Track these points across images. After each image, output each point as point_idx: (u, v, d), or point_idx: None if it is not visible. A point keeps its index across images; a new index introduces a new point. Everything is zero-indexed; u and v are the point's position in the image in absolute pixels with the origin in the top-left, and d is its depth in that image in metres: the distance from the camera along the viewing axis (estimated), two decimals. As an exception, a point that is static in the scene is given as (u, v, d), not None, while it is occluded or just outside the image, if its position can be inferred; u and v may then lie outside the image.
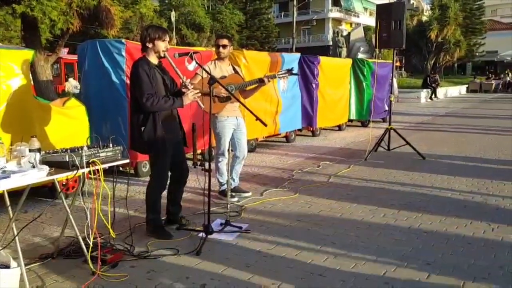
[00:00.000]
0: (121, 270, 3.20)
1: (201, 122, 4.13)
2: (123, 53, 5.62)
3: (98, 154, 3.20)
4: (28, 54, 4.64)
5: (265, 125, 4.17)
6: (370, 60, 11.41)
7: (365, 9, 51.03)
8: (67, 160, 3.00)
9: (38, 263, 3.32)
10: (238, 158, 5.07)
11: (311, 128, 9.95)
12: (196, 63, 3.89)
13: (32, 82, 5.22)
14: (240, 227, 4.06)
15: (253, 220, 4.33)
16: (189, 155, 4.61)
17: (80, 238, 3.27)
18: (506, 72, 34.12)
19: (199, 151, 6.72)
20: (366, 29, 30.01)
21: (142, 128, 3.69)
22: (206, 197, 3.82)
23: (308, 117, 9.48)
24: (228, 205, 4.18)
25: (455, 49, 34.28)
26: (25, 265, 2.94)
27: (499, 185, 5.57)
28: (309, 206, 4.79)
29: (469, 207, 4.70)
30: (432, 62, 34.95)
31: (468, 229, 4.03)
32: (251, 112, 4.01)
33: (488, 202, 4.88)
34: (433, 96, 23.24)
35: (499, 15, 50.52)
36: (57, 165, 3.01)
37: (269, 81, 4.86)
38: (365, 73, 10.99)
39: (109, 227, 3.55)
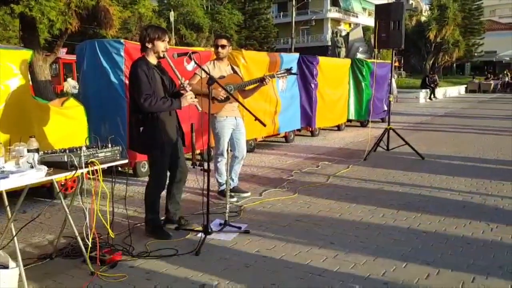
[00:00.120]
0: (120, 270, 3.19)
1: (200, 122, 4.13)
2: (122, 53, 5.62)
3: (96, 155, 3.19)
4: (26, 54, 4.63)
5: (264, 125, 4.17)
6: (369, 60, 11.42)
7: (364, 9, 51.07)
8: (66, 160, 2.99)
9: (36, 263, 3.31)
10: (237, 158, 5.06)
11: (310, 128, 9.95)
12: (195, 63, 3.89)
13: (30, 82, 5.21)
14: (239, 227, 4.06)
15: (252, 220, 4.32)
16: (188, 155, 4.61)
17: (79, 238, 3.26)
18: (505, 72, 34.18)
19: (198, 151, 6.72)
20: (365, 29, 30.06)
21: (141, 128, 3.69)
22: (205, 197, 3.81)
23: (307, 117, 9.48)
24: (227, 205, 4.17)
25: (454, 49, 34.32)
26: (24, 265, 2.93)
27: (498, 185, 5.57)
28: (308, 206, 4.79)
29: (468, 207, 4.70)
30: (431, 62, 34.99)
31: (467, 229, 4.03)
32: (250, 112, 4.00)
33: (487, 202, 4.88)
34: (432, 96, 23.27)
35: (498, 15, 50.60)
36: (55, 165, 3.01)
37: (269, 81, 4.86)
38: (364, 73, 11.00)
39: (108, 227, 3.55)
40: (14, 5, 8.51)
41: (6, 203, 2.80)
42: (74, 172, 3.00)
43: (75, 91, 14.89)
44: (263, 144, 8.95)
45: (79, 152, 3.07)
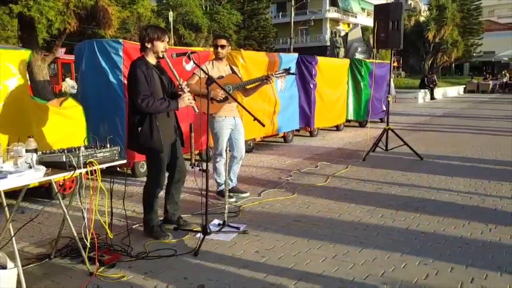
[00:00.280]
0: (119, 271, 3.19)
1: (199, 123, 4.13)
2: (121, 53, 5.61)
3: (95, 155, 3.19)
4: (25, 54, 4.63)
5: (263, 125, 4.17)
6: (367, 61, 11.42)
7: (363, 9, 51.10)
8: (64, 160, 2.98)
9: (35, 264, 3.31)
10: (236, 159, 5.06)
11: (309, 129, 9.95)
12: (194, 63, 3.89)
13: (29, 82, 5.20)
14: (238, 228, 4.06)
15: (251, 220, 4.32)
16: (187, 155, 4.61)
17: (77, 238, 3.26)
18: (503, 72, 34.21)
19: (197, 152, 6.71)
20: (364, 29, 30.04)
21: (139, 129, 3.69)
22: (203, 197, 3.81)
23: (306, 117, 9.48)
24: (226, 206, 4.16)
25: (453, 50, 34.32)
26: (22, 266, 2.92)
27: (497, 185, 5.57)
28: (307, 206, 4.79)
29: (467, 208, 4.71)
30: (430, 62, 34.98)
31: (466, 229, 4.03)
32: (249, 113, 4.00)
33: (486, 202, 4.88)
34: (432, 96, 23.28)
35: (496, 15, 50.64)
36: (54, 166, 3.00)
37: (271, 81, 4.85)
38: (362, 74, 11.00)
39: (107, 227, 3.54)
40: (12, 5, 8.49)
41: (5, 203, 2.80)
42: (72, 172, 2.99)
43: (74, 91, 14.90)
44: (262, 144, 8.95)
45: (77, 152, 3.07)
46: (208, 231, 3.79)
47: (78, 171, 3.02)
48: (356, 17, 48.93)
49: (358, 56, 17.00)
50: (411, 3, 48.58)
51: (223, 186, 4.79)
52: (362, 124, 11.88)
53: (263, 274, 3.16)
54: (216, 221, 4.21)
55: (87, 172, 3.10)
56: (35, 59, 9.59)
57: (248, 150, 7.37)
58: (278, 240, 3.80)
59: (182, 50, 5.44)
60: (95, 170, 3.11)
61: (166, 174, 4.00)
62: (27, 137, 3.09)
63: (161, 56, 3.76)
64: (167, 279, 3.08)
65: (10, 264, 2.82)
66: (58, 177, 3.05)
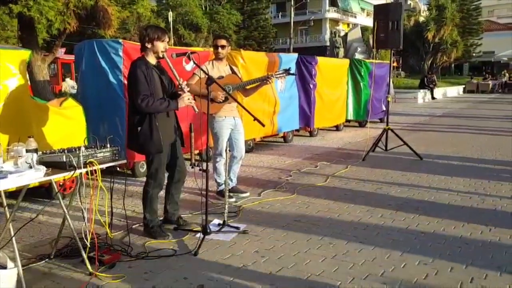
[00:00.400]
0: (119, 271, 3.19)
1: (199, 123, 4.13)
2: (121, 53, 5.61)
3: (95, 155, 3.19)
4: (25, 54, 4.63)
5: (263, 125, 4.18)
6: (367, 61, 11.43)
7: (362, 9, 51.09)
8: (64, 160, 2.99)
9: (35, 264, 3.31)
10: (235, 158, 5.06)
11: (309, 129, 9.95)
12: (194, 63, 3.89)
13: (29, 82, 5.20)
14: (238, 228, 4.06)
15: (251, 220, 4.32)
16: (187, 155, 4.61)
17: (77, 238, 3.26)
18: (503, 72, 34.20)
19: (197, 152, 6.72)
20: (364, 29, 30.03)
21: (139, 128, 3.69)
22: (203, 197, 3.82)
23: (306, 118, 9.49)
24: (226, 206, 4.17)
25: (452, 50, 34.31)
26: (22, 265, 2.93)
27: (497, 185, 5.58)
28: (306, 206, 4.79)
29: (467, 208, 4.71)
30: (429, 62, 34.98)
31: (466, 229, 4.03)
32: (249, 113, 4.00)
33: (486, 202, 4.88)
34: (432, 96, 23.29)
35: (496, 15, 50.65)
36: (54, 166, 3.01)
37: (270, 81, 4.86)
38: (362, 74, 11.00)
39: (107, 227, 3.55)
40: (12, 5, 8.49)
41: (5, 203, 2.80)
42: (72, 172, 2.99)
43: (74, 91, 14.90)
44: (261, 144, 8.95)
45: (77, 152, 3.07)
46: (208, 231, 3.79)
47: (78, 171, 3.03)
48: (355, 17, 48.92)
49: (358, 56, 17.01)
50: (410, 3, 48.59)
51: (223, 186, 4.79)
52: (361, 124, 11.88)
53: (263, 274, 3.16)
54: (216, 221, 4.21)
55: (87, 172, 3.11)
56: (35, 59, 9.59)
57: (248, 150, 7.37)
58: (278, 240, 3.81)
59: (182, 50, 5.44)
60: (95, 170, 3.11)
61: (166, 174, 4.00)
62: (27, 137, 3.09)
63: (161, 56, 3.76)
64: (167, 279, 3.09)
65: (10, 264, 2.82)
66: (58, 177, 3.05)
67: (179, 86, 3.81)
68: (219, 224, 4.10)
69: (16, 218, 4.24)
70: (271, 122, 8.19)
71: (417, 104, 20.75)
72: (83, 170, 3.08)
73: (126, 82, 5.27)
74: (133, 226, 4.08)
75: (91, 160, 3.12)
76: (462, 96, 27.64)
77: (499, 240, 3.78)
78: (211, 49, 5.34)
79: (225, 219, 4.11)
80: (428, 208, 4.67)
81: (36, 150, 3.03)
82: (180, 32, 28.70)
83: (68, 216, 3.26)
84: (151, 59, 3.77)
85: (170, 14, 26.03)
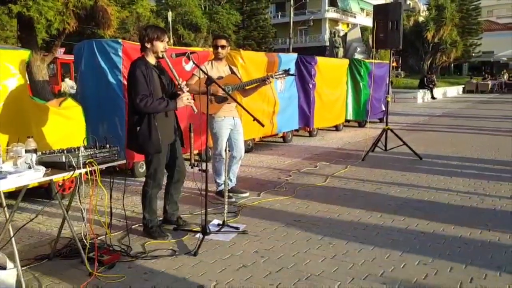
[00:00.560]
0: (118, 271, 3.19)
1: (198, 123, 4.13)
2: (120, 53, 5.61)
3: (94, 155, 3.19)
4: (24, 54, 4.63)
5: (263, 125, 4.17)
6: (367, 61, 11.43)
7: (362, 9, 51.09)
8: (64, 160, 2.99)
9: (34, 264, 3.30)
10: (235, 158, 5.06)
11: (308, 129, 9.96)
12: (194, 63, 3.89)
13: (28, 82, 5.20)
14: (237, 228, 4.06)
15: (251, 220, 4.32)
16: (186, 155, 4.61)
17: (76, 239, 3.25)
18: (503, 72, 34.20)
19: (196, 152, 6.71)
20: (363, 29, 30.04)
21: (138, 128, 3.69)
22: (203, 197, 3.81)
23: (305, 118, 9.49)
24: (226, 206, 4.16)
25: (452, 50, 34.32)
26: (22, 266, 2.93)
27: (496, 185, 5.58)
28: (306, 206, 4.79)
29: (466, 208, 4.71)
30: (429, 62, 35.01)
31: (465, 229, 4.03)
32: (248, 113, 4.00)
33: (485, 202, 4.89)
34: (431, 96, 23.30)
35: (495, 15, 50.67)
36: (53, 166, 3.01)
37: (270, 82, 4.86)
38: (362, 74, 11.01)
39: (106, 227, 3.55)
40: (11, 5, 8.48)
41: (4, 203, 2.80)
42: (72, 172, 2.99)
43: (73, 91, 14.88)
44: (261, 144, 8.95)
45: (77, 152, 3.07)
46: (208, 231, 3.79)
47: (77, 172, 3.03)
48: (355, 17, 48.93)
49: (357, 56, 17.02)
50: (410, 3, 48.64)
51: (223, 186, 4.79)
52: (361, 124, 11.88)
53: (263, 274, 3.16)
54: (215, 221, 4.21)
55: (86, 172, 3.11)
56: (34, 59, 9.58)
57: (247, 150, 7.37)
58: (278, 240, 3.81)
59: (181, 50, 5.44)
60: (94, 170, 3.11)
61: (165, 174, 4.00)
62: (26, 137, 3.09)
63: (160, 56, 3.76)
64: (166, 279, 3.08)
65: (9, 264, 2.82)
66: (57, 178, 3.05)
67: (178, 86, 3.82)
68: (218, 224, 4.10)
69: (15, 218, 4.24)
70: (270, 122, 8.19)
71: (416, 104, 20.77)
72: (83, 171, 3.07)
73: (125, 82, 5.27)
74: (133, 227, 4.08)
75: (91, 160, 3.12)
76: (461, 96, 27.65)
77: (499, 240, 3.78)
78: (211, 49, 5.34)
79: (225, 219, 4.11)
80: (427, 208, 4.67)
81: (35, 151, 3.03)
82: (180, 32, 28.70)
83: (67, 217, 3.26)
84: (151, 59, 3.77)
85: (170, 14, 26.02)
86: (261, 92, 6.93)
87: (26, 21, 9.14)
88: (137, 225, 4.12)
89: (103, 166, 3.25)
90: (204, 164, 3.77)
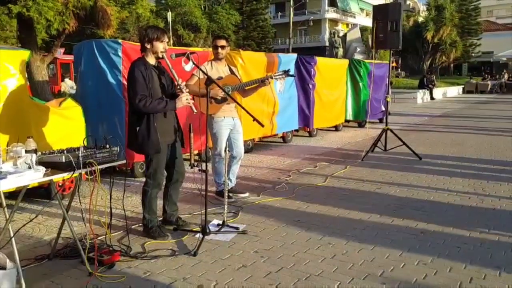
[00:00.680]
0: (118, 271, 3.19)
1: (198, 123, 4.13)
2: (120, 54, 5.61)
3: (94, 155, 3.19)
4: (24, 54, 4.63)
5: (262, 125, 4.18)
6: (366, 61, 11.44)
7: (362, 9, 51.12)
8: (64, 161, 2.99)
9: (34, 264, 3.31)
10: (235, 159, 5.06)
11: (308, 129, 9.96)
12: (193, 63, 3.89)
13: (28, 82, 5.20)
14: (237, 228, 4.06)
15: (250, 220, 4.33)
16: (186, 155, 4.61)
17: (76, 239, 3.26)
18: (503, 73, 34.20)
19: (196, 152, 6.71)
20: (363, 29, 30.09)
21: (137, 128, 3.70)
22: (203, 197, 3.82)
23: (305, 118, 9.49)
24: (225, 206, 4.17)
25: (451, 50, 34.38)
26: (22, 266, 2.93)
27: (495, 185, 5.58)
28: (306, 206, 4.79)
29: (466, 208, 4.72)
30: (428, 62, 35.05)
31: (465, 229, 4.03)
32: (248, 113, 4.01)
33: (485, 202, 4.89)
34: (431, 96, 23.31)
35: (495, 16, 50.73)
36: (53, 166, 3.01)
37: (269, 82, 4.87)
38: (361, 74, 11.01)
39: (106, 228, 3.55)
40: (11, 5, 8.48)
41: (4, 203, 2.80)
42: (72, 172, 2.99)
43: (73, 91, 14.87)
44: (261, 144, 8.96)
45: (77, 152, 3.07)
46: (207, 231, 3.79)
47: (77, 172, 3.03)
48: (355, 17, 48.95)
49: (357, 56, 17.04)
50: (409, 4, 48.69)
51: (222, 186, 4.79)
52: (361, 124, 11.89)
53: (262, 274, 3.16)
54: (215, 221, 4.22)
55: (86, 173, 3.11)
56: (34, 60, 9.58)
57: (247, 151, 7.37)
58: (277, 240, 3.81)
59: (181, 50, 5.45)
60: (94, 171, 3.11)
61: (165, 174, 4.01)
62: (26, 137, 3.09)
63: (160, 56, 3.77)
64: (166, 279, 3.09)
65: (9, 264, 2.82)
66: (57, 178, 3.05)
67: (178, 87, 3.82)
68: (218, 225, 4.10)
69: (15, 218, 4.24)
70: (270, 123, 8.20)
71: (416, 104, 20.77)
72: (82, 171, 3.08)
73: (125, 82, 5.28)
74: (133, 227, 4.08)
75: (90, 160, 3.12)
76: (461, 96, 27.65)
77: (498, 240, 3.78)
78: (210, 49, 5.34)
79: (225, 219, 4.11)
80: (427, 208, 4.67)
81: (35, 151, 3.03)
82: (179, 32, 28.73)
83: (67, 217, 3.26)
84: (151, 60, 3.77)
85: (169, 14, 26.04)
86: (260, 93, 6.93)
87: (26, 21, 9.15)
88: (137, 225, 4.12)
89: (103, 166, 3.25)
90: (204, 164, 3.77)
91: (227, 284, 3.02)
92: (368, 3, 47.98)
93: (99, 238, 3.64)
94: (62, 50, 19.57)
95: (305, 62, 9.33)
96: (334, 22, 46.78)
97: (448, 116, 14.90)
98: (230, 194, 4.93)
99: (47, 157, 3.08)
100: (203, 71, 3.99)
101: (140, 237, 3.86)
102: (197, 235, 3.79)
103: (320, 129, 10.67)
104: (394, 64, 35.25)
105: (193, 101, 3.83)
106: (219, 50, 4.83)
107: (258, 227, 4.14)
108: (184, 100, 3.73)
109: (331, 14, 46.77)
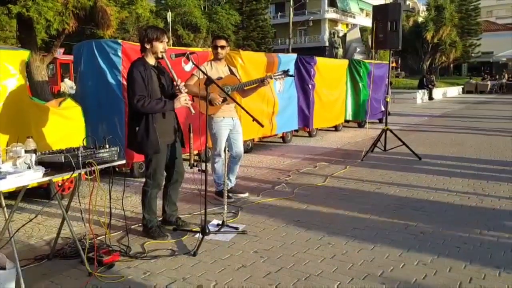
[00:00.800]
0: (118, 271, 3.19)
1: (198, 123, 4.13)
2: (119, 54, 5.61)
3: (94, 155, 3.19)
4: (23, 54, 4.63)
5: (262, 126, 4.18)
6: (366, 61, 11.44)
7: (361, 9, 51.15)
8: (63, 161, 2.99)
9: (34, 264, 3.31)
10: (234, 159, 5.06)
11: (308, 129, 9.96)
12: (193, 63, 3.89)
13: (27, 82, 5.20)
14: (237, 228, 4.06)
15: (250, 220, 4.33)
16: (185, 155, 4.61)
17: (76, 239, 3.26)
18: (503, 73, 34.21)
19: (196, 152, 6.71)
20: (362, 30, 30.09)
21: (137, 128, 3.70)
22: (202, 197, 3.82)
23: (305, 118, 9.50)
24: (225, 206, 4.17)
25: (451, 50, 34.39)
26: (21, 266, 2.92)
27: (495, 185, 5.59)
28: (305, 207, 4.79)
29: (465, 208, 4.72)
30: (428, 63, 35.06)
31: (464, 229, 4.03)
32: (248, 113, 4.01)
33: (484, 202, 4.89)
34: (431, 96, 23.32)
35: (495, 16, 50.75)
36: (53, 166, 3.00)
37: (268, 82, 4.87)
38: (361, 74, 11.02)
39: (105, 228, 3.55)
40: (11, 5, 8.49)
41: (3, 204, 2.80)
42: (71, 173, 2.99)
43: (72, 91, 14.86)
44: (260, 144, 8.96)
45: (76, 152, 3.07)
46: (207, 231, 3.79)
47: (77, 172, 3.03)
48: (354, 17, 48.97)
49: (357, 56, 17.04)
50: (409, 4, 48.70)
51: (222, 186, 4.79)
52: (360, 125, 11.89)
53: (262, 274, 3.16)
54: (215, 221, 4.21)
55: (86, 173, 3.11)
56: (33, 60, 9.59)
57: (246, 151, 7.37)
58: (277, 240, 3.81)
59: (181, 50, 5.45)
60: (94, 171, 3.11)
61: (165, 175, 4.00)
62: (26, 137, 3.09)
63: (160, 56, 3.77)
64: (166, 279, 3.09)
65: (9, 264, 2.82)
66: (57, 178, 3.05)
67: (177, 87, 3.82)
68: (218, 225, 4.10)
69: (14, 218, 4.24)
70: (270, 123, 8.20)
71: (416, 105, 20.78)
72: (82, 171, 3.08)
73: (125, 82, 5.27)
74: (132, 227, 4.08)
75: (90, 160, 3.12)
76: (461, 97, 27.66)
77: (498, 240, 3.78)
78: (210, 49, 5.34)
79: (224, 220, 4.11)
80: (426, 208, 4.67)
81: (35, 151, 3.03)
82: (179, 33, 28.74)
83: (67, 217, 3.26)
84: (150, 60, 3.77)
85: (169, 14, 26.06)
86: (260, 93, 6.93)
87: (26, 22, 9.15)
88: (136, 225, 4.12)
89: (103, 167, 3.25)
90: (203, 165, 3.77)
91: (226, 284, 3.02)
92: (368, 3, 48.01)
93: (98, 238, 3.64)
94: (62, 50, 19.57)
95: (304, 62, 9.34)
96: (334, 22, 46.80)
97: (447, 116, 14.90)
98: (230, 194, 4.93)
99: (47, 157, 3.08)
100: (202, 71, 3.99)
101: (139, 237, 3.86)
102: (197, 235, 3.79)
103: (320, 129, 10.67)
104: (394, 64, 35.25)
105: (191, 102, 3.83)
106: (219, 50, 4.83)
107: (258, 227, 4.14)
108: (183, 100, 3.73)
109: (331, 14, 46.80)
